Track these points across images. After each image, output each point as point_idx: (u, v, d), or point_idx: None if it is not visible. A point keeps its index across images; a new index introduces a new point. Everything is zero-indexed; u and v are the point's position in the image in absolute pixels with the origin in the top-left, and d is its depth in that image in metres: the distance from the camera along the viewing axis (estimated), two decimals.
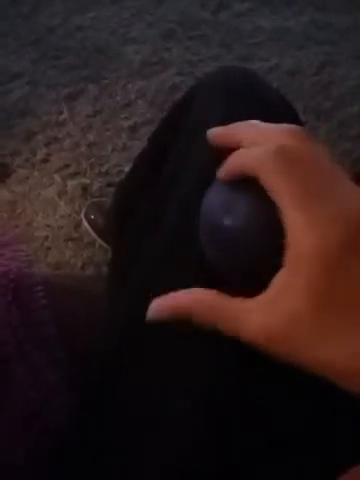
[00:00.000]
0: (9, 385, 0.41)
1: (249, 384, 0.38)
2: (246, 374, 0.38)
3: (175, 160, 0.53)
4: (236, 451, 0.38)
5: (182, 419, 0.38)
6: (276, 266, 0.29)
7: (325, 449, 0.38)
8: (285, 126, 0.33)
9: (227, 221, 0.32)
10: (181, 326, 0.33)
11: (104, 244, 1.19)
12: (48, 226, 1.26)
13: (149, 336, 0.41)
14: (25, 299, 0.46)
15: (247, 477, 0.38)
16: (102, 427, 0.41)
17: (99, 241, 1.20)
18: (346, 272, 0.28)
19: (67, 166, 1.35)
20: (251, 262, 0.32)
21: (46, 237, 1.24)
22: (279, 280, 0.29)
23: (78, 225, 1.25)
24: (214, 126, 0.35)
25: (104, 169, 1.34)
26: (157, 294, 0.33)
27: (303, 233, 0.28)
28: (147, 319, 0.33)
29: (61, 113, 1.44)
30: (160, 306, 0.33)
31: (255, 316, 0.29)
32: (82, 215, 1.24)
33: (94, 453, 0.40)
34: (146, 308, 0.33)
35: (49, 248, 1.23)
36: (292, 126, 0.33)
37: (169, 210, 0.47)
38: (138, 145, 1.32)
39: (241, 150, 0.33)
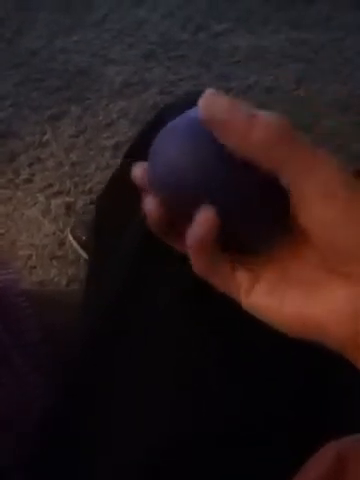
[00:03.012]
0: None
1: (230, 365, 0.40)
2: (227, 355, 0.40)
3: None
4: (217, 430, 0.39)
5: (161, 403, 0.40)
6: None
7: (312, 429, 0.39)
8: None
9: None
10: None
11: None
12: (32, 245, 1.26)
13: (124, 336, 0.42)
14: (9, 308, 0.47)
15: (228, 458, 0.39)
16: (85, 425, 0.42)
17: (84, 256, 1.20)
18: None
19: (51, 185, 1.35)
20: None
21: (30, 256, 1.25)
22: None
23: (62, 243, 1.26)
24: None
25: (87, 187, 1.35)
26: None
27: None
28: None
29: (44, 134, 1.45)
30: None
31: None
32: (68, 231, 1.25)
33: (77, 449, 0.41)
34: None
35: (34, 267, 1.23)
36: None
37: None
38: None
39: None
